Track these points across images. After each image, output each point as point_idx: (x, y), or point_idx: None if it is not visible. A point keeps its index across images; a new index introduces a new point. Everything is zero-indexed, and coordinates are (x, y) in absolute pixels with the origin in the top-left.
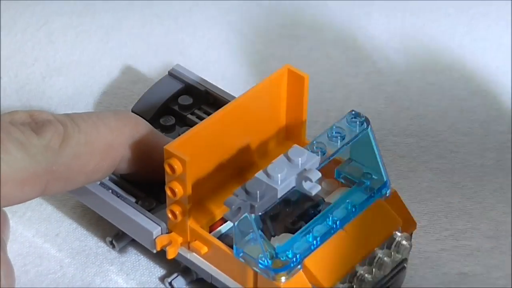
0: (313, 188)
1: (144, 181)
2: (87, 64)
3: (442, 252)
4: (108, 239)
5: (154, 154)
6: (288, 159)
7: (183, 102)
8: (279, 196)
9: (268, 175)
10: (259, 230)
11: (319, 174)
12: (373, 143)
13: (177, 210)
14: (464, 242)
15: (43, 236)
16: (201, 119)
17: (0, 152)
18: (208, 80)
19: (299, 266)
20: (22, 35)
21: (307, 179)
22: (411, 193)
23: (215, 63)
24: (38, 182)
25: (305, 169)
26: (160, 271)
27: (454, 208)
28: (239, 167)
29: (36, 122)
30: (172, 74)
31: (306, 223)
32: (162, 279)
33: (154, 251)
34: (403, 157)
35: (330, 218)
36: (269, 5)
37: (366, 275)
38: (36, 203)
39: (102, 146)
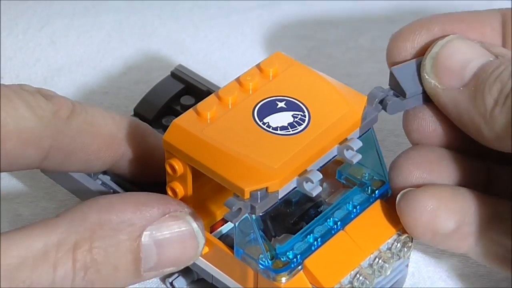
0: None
1: (144, 183)
2: (89, 64)
3: (442, 253)
4: None
5: (156, 156)
6: None
7: (185, 102)
8: (280, 197)
9: None
10: (260, 231)
11: (320, 175)
12: (375, 144)
13: None
14: None
15: None
16: None
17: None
18: (210, 80)
19: (299, 267)
20: (23, 35)
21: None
22: None
23: (217, 63)
24: (41, 145)
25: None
26: None
27: None
28: None
29: (45, 95)
30: (174, 74)
31: (307, 223)
32: (163, 279)
33: None
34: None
35: (331, 218)
36: (270, 5)
37: (367, 275)
38: (36, 202)
39: (106, 134)
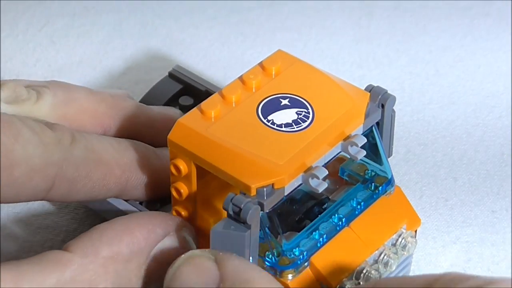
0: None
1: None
2: (88, 64)
3: (444, 249)
4: None
5: (162, 178)
6: None
7: (183, 103)
8: (286, 193)
9: None
10: (266, 228)
11: (326, 172)
12: (378, 141)
13: (183, 210)
14: (467, 238)
15: (43, 237)
16: None
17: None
18: (210, 81)
19: (306, 264)
20: (23, 36)
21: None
22: (413, 190)
23: (217, 63)
24: (47, 174)
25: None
26: None
27: (455, 205)
28: None
29: (46, 123)
30: (172, 75)
31: (311, 221)
32: None
33: None
34: (406, 154)
35: (336, 215)
36: (270, 5)
37: (372, 271)
38: (37, 204)
39: (109, 160)
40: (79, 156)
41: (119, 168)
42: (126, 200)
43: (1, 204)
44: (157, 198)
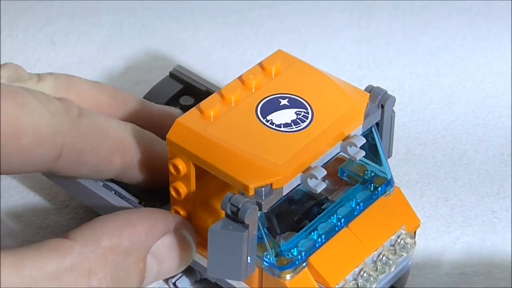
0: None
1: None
2: (89, 64)
3: (444, 249)
4: None
5: (163, 163)
6: None
7: (184, 103)
8: (284, 193)
9: None
10: (264, 228)
11: (325, 172)
12: (377, 141)
13: (181, 210)
14: (467, 239)
15: (43, 237)
16: None
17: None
18: (210, 80)
19: (304, 264)
20: (23, 36)
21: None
22: (413, 190)
23: (217, 63)
24: (55, 143)
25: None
26: None
27: (455, 206)
28: None
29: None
30: (173, 75)
31: (310, 221)
32: (166, 279)
33: None
34: (406, 154)
35: (335, 216)
36: (270, 5)
37: (371, 272)
38: (37, 204)
39: (115, 138)
40: (87, 129)
41: (125, 146)
42: (125, 200)
43: (2, 204)
44: (156, 186)
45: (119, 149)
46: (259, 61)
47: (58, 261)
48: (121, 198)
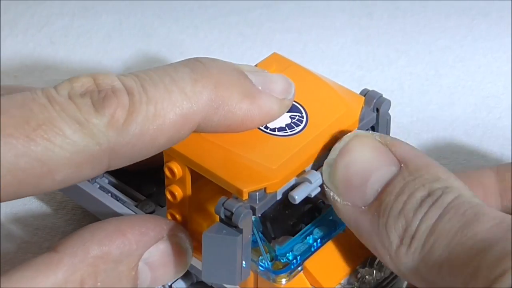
0: (313, 190)
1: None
2: (88, 65)
3: None
4: None
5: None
6: None
7: None
8: (278, 197)
9: None
10: (259, 233)
11: (319, 176)
12: None
13: (177, 214)
14: None
15: (41, 238)
16: None
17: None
18: None
19: (299, 268)
20: (23, 36)
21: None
22: None
23: None
24: (98, 163)
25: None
26: None
27: None
28: None
29: (99, 90)
30: None
31: (305, 225)
32: None
33: None
34: None
35: (330, 220)
36: (270, 5)
37: (367, 276)
38: (35, 205)
39: (175, 118)
40: (136, 132)
41: (188, 121)
42: (122, 203)
43: (0, 205)
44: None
45: (178, 129)
46: (258, 61)
47: (52, 278)
48: (118, 200)
